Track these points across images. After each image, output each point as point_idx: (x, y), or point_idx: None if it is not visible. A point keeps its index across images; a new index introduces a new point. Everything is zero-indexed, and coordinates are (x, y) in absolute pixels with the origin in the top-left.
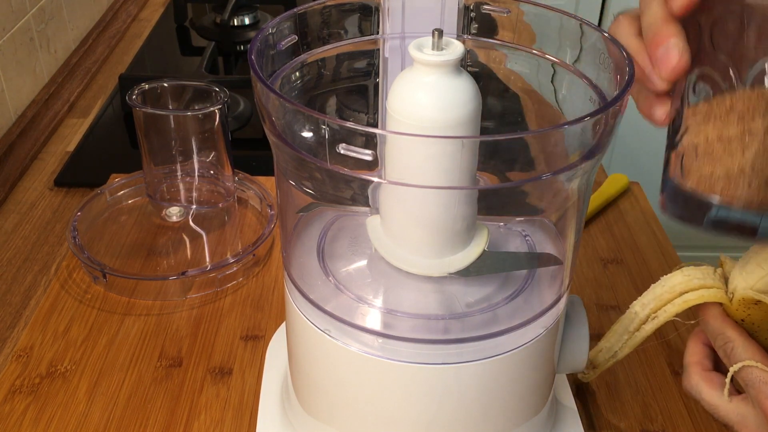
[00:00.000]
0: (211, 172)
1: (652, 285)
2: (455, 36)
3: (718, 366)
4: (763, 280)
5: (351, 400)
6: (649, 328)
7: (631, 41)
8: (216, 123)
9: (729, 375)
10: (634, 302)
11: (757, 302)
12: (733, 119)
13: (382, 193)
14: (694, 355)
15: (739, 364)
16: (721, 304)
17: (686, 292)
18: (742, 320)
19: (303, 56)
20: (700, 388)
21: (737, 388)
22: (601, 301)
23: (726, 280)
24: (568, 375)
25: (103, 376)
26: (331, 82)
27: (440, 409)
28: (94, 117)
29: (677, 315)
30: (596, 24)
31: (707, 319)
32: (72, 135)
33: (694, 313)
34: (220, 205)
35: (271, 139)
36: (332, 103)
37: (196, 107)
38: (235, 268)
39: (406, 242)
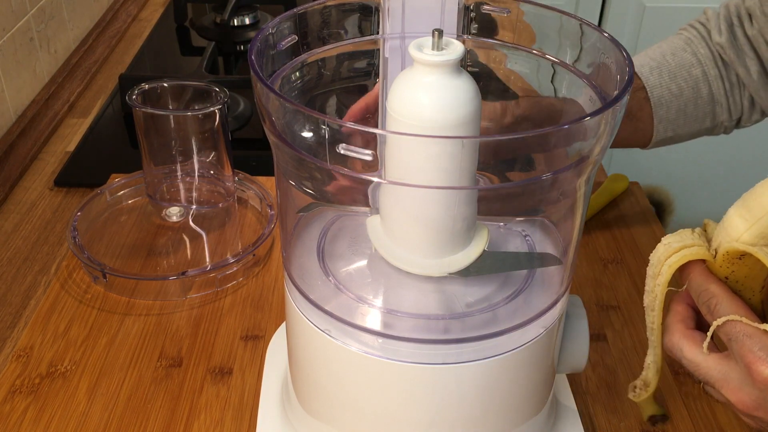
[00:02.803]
0: (211, 172)
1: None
2: (455, 36)
3: (701, 326)
4: (748, 232)
5: (351, 400)
6: (657, 310)
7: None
8: (216, 123)
9: (711, 329)
10: (643, 298)
11: (742, 257)
12: None
13: (382, 193)
14: (676, 314)
15: (723, 318)
16: (704, 261)
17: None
18: (726, 278)
19: (303, 56)
20: (681, 345)
21: (718, 347)
22: (601, 301)
23: (709, 241)
24: (567, 375)
25: (103, 376)
26: (331, 82)
27: (440, 409)
28: (94, 117)
29: (671, 285)
30: (596, 24)
31: (691, 275)
32: (72, 135)
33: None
34: (220, 205)
35: (271, 139)
36: (332, 103)
37: (196, 107)
38: (235, 268)
39: (406, 242)
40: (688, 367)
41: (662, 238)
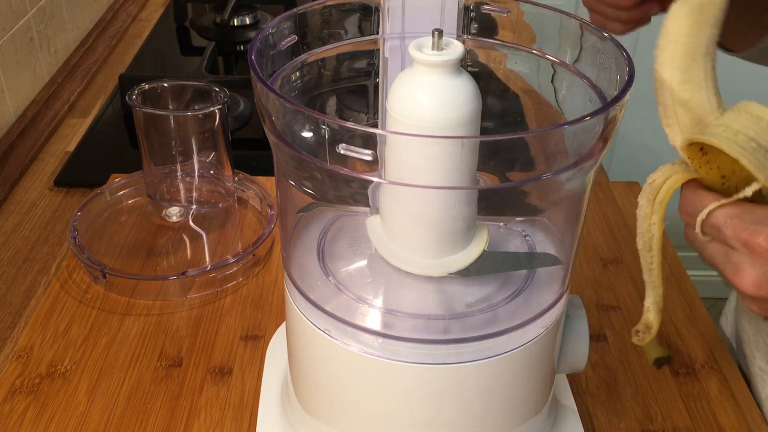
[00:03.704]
0: (211, 172)
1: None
2: (455, 36)
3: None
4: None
5: (351, 400)
6: (656, 249)
7: None
8: (216, 123)
9: (699, 218)
10: (636, 240)
11: (702, 150)
12: None
13: (382, 193)
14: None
15: (705, 211)
16: (695, 180)
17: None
18: (723, 183)
19: (303, 56)
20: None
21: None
22: (601, 301)
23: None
24: (567, 375)
25: (103, 376)
26: (331, 82)
27: (440, 409)
28: (94, 117)
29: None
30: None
31: (685, 195)
32: (72, 135)
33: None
34: (220, 205)
35: (271, 139)
36: (332, 103)
37: (196, 107)
38: (235, 268)
39: (406, 242)
40: (697, 242)
41: (647, 179)
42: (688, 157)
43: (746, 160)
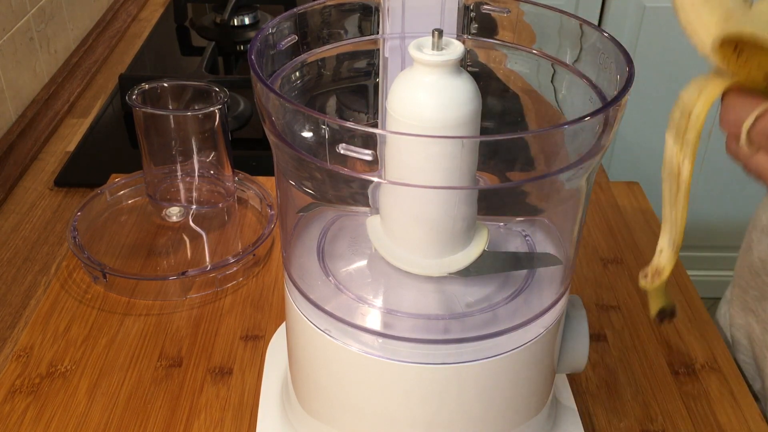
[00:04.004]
0: (211, 172)
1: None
2: (455, 36)
3: None
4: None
5: (351, 400)
6: (686, 173)
7: None
8: (216, 123)
9: (746, 125)
10: (662, 169)
11: (737, 49)
12: None
13: (382, 193)
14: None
15: (752, 116)
16: (736, 87)
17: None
18: (767, 85)
19: (303, 56)
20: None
21: None
22: (601, 301)
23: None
24: (567, 375)
25: (103, 376)
26: (331, 82)
27: (440, 409)
28: (94, 117)
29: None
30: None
31: (727, 102)
32: (72, 135)
33: None
34: (220, 205)
35: (271, 139)
36: (332, 103)
37: (196, 107)
38: (235, 268)
39: (406, 242)
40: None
41: (680, 96)
42: (723, 60)
43: None
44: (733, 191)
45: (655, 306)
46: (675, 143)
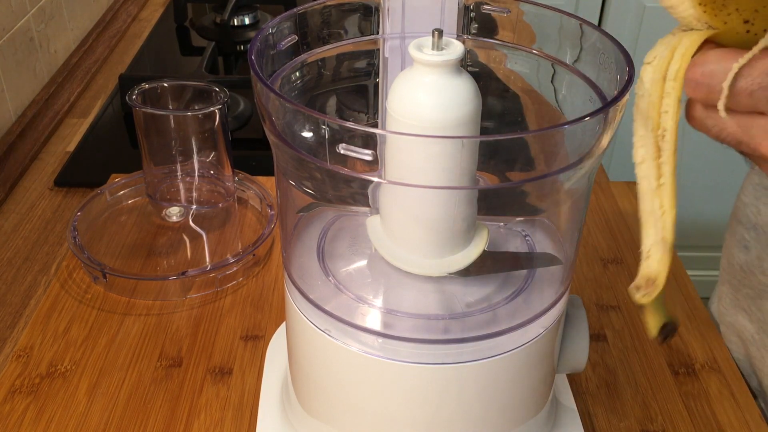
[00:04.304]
0: (211, 172)
1: (636, 94)
2: (455, 36)
3: None
4: None
5: (351, 400)
6: (669, 151)
7: None
8: (216, 123)
9: (725, 84)
10: (634, 152)
11: None
12: None
13: (382, 193)
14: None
15: (731, 73)
16: (704, 42)
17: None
18: (747, 31)
19: (303, 56)
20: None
21: None
22: (601, 301)
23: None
24: (567, 375)
25: (103, 376)
26: (331, 82)
27: (440, 409)
28: (94, 117)
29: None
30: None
31: (696, 62)
32: (72, 135)
33: None
34: (220, 205)
35: (271, 139)
36: (332, 103)
37: (196, 107)
38: (235, 268)
39: (406, 242)
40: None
41: (644, 60)
42: (699, 3)
43: None
44: (733, 188)
45: (654, 323)
46: (649, 117)
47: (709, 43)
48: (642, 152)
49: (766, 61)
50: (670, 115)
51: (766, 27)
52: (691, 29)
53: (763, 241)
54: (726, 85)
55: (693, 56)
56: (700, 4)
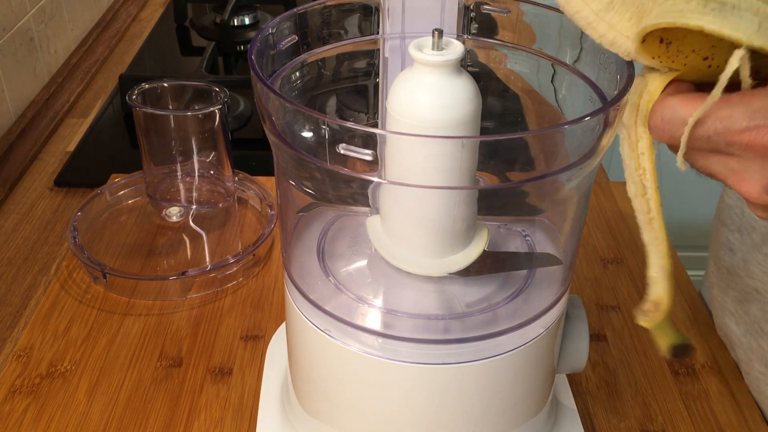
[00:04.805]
0: (211, 172)
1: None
2: (455, 36)
3: None
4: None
5: (351, 400)
6: (651, 187)
7: None
8: (216, 123)
9: (683, 139)
10: (627, 187)
11: (664, 42)
12: None
13: (382, 193)
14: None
15: (688, 127)
16: (670, 82)
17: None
18: (709, 66)
19: (303, 56)
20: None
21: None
22: (601, 301)
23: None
24: (567, 375)
25: (103, 376)
26: (331, 82)
27: (440, 409)
28: (94, 117)
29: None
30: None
31: (655, 111)
32: (72, 135)
33: None
34: (220, 205)
35: (271, 139)
36: (332, 103)
37: (196, 107)
38: (235, 268)
39: (406, 242)
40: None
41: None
42: (653, 57)
43: (713, 26)
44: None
45: (664, 342)
46: (631, 159)
47: (675, 82)
48: (633, 188)
49: (719, 106)
50: (646, 156)
51: (725, 58)
52: (655, 70)
53: (748, 243)
54: (684, 139)
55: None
56: (655, 57)
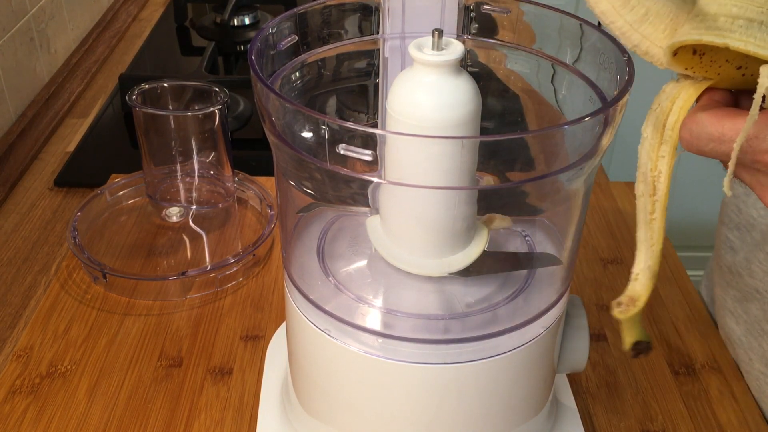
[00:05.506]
0: (211, 172)
1: (640, 152)
2: (455, 36)
3: None
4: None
5: (351, 400)
6: (662, 191)
7: None
8: (216, 123)
9: (732, 160)
10: (635, 186)
11: (696, 53)
12: None
13: (381, 193)
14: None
15: (739, 141)
16: (704, 91)
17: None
18: (743, 75)
19: (303, 56)
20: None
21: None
22: (601, 301)
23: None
24: (567, 375)
25: (103, 376)
26: (331, 82)
27: (440, 409)
28: (94, 117)
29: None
30: (596, 24)
31: (685, 126)
32: (72, 135)
33: None
34: (220, 205)
35: (271, 139)
36: (332, 103)
37: (196, 107)
38: (235, 268)
39: (406, 242)
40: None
41: (651, 105)
42: (686, 68)
43: (738, 43)
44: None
45: (629, 338)
46: (649, 159)
47: (709, 91)
48: (642, 187)
49: (747, 128)
50: (665, 160)
51: (759, 66)
52: (690, 77)
53: (749, 241)
54: (731, 165)
55: (691, 107)
56: (688, 68)
